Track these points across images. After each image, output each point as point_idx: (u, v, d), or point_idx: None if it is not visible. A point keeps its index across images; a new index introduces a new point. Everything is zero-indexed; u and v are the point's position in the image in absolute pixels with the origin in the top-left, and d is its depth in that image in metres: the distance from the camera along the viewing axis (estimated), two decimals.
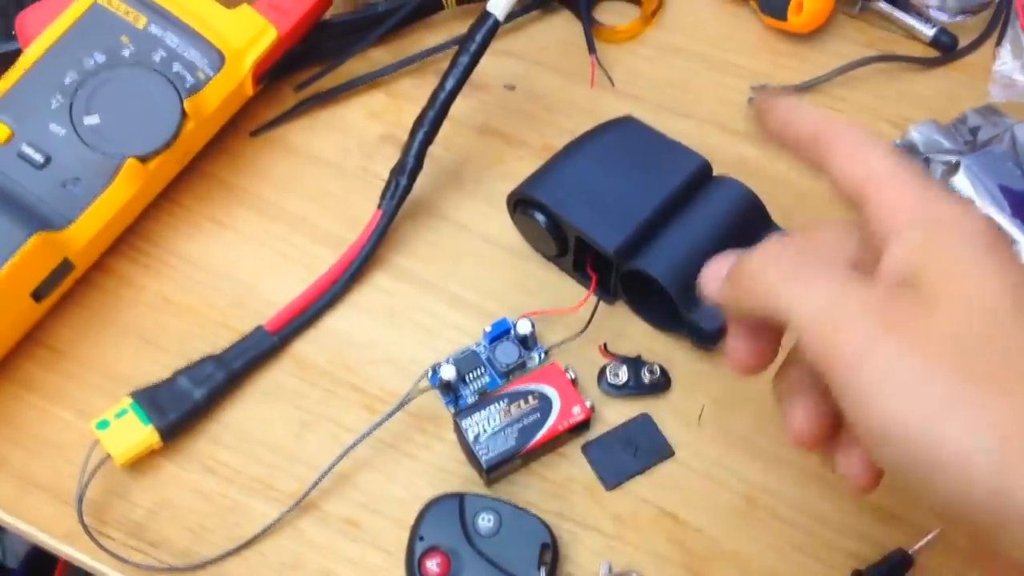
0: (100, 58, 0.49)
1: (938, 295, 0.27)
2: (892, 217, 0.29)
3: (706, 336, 0.46)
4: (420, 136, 0.49)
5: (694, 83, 0.57)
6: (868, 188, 0.30)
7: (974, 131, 0.54)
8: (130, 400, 0.44)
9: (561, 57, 0.58)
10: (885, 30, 0.59)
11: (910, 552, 0.43)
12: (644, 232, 0.47)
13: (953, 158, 0.52)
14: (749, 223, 0.48)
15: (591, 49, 0.57)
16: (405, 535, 0.43)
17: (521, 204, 0.49)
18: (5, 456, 0.45)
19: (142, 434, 0.44)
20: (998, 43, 0.58)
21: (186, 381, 0.45)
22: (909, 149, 0.54)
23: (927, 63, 0.57)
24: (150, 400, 0.45)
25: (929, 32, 0.58)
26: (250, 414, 0.47)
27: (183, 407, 0.45)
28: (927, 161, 0.53)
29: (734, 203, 0.48)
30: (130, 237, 0.51)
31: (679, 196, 0.48)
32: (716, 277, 0.34)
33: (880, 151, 0.31)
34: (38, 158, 0.46)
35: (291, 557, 0.43)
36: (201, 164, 0.53)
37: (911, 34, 0.58)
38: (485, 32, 0.49)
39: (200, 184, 0.53)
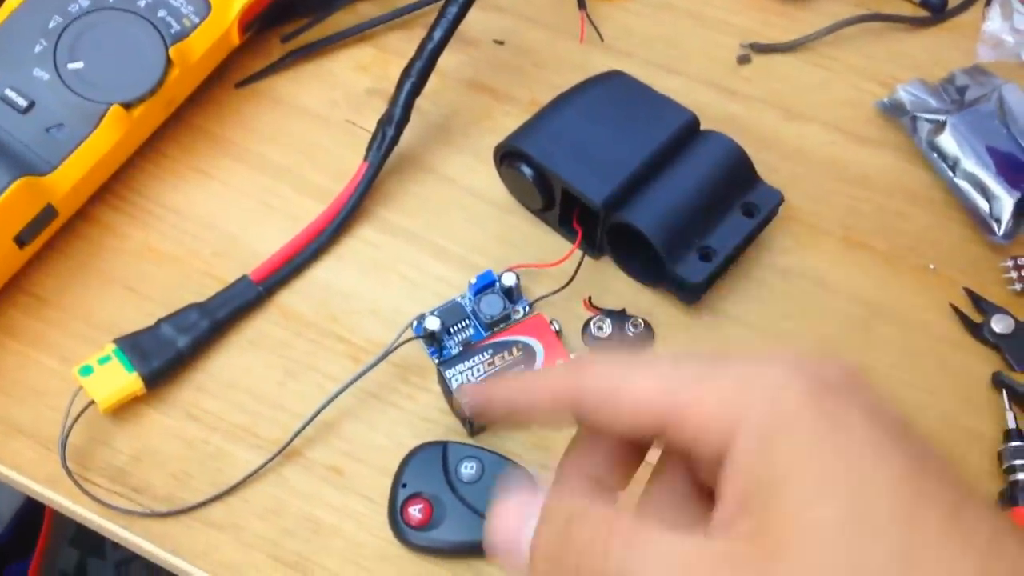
0: (84, 3, 0.48)
1: (785, 533, 0.22)
2: (707, 435, 0.24)
3: (690, 289, 0.46)
4: (408, 87, 0.49)
5: (684, 40, 0.57)
6: (666, 411, 0.25)
7: (961, 91, 0.54)
8: (114, 346, 0.44)
9: (550, 13, 0.58)
10: None
11: None
12: (631, 185, 0.46)
13: (940, 117, 0.52)
14: (735, 177, 0.48)
15: (581, 4, 0.57)
16: (388, 483, 0.43)
17: (508, 157, 0.49)
18: None
19: (125, 380, 0.44)
20: (987, 3, 0.58)
21: (170, 329, 0.45)
22: (896, 108, 0.54)
23: (916, 23, 0.57)
24: (134, 347, 0.44)
25: None
26: (234, 363, 0.47)
27: (167, 354, 0.45)
28: (914, 119, 0.53)
29: (721, 157, 0.48)
30: (114, 186, 0.51)
31: (666, 150, 0.48)
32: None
33: (650, 368, 0.25)
34: (21, 102, 0.46)
35: (274, 503, 0.43)
36: (186, 114, 0.53)
37: None
38: None
39: (185, 134, 0.53)
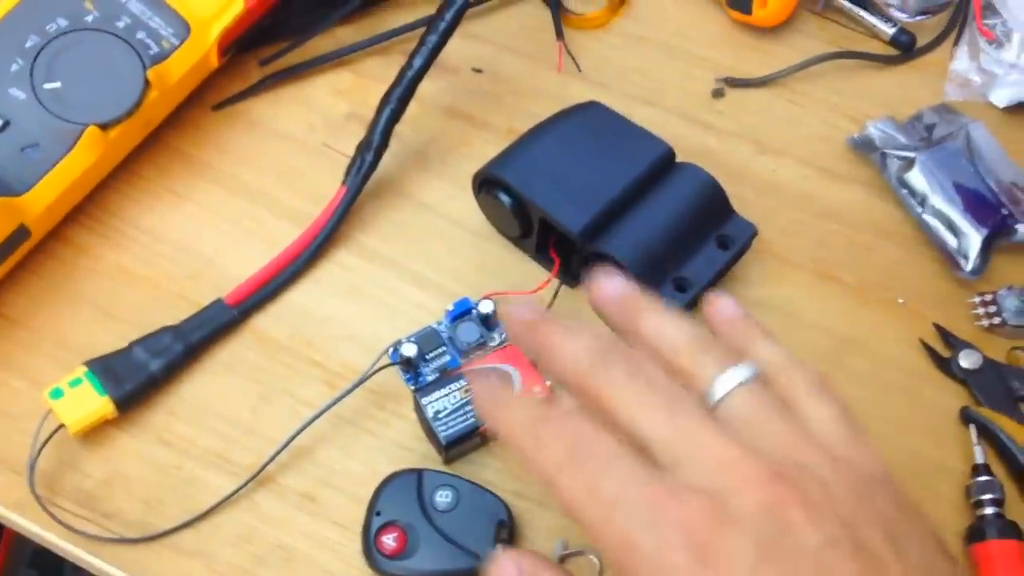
0: (63, 22, 0.48)
1: None
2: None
3: None
4: (387, 113, 0.49)
5: (660, 73, 0.58)
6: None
7: (929, 128, 0.55)
8: (85, 369, 0.44)
9: (528, 42, 0.58)
10: (847, 27, 0.60)
11: None
12: (608, 215, 0.47)
13: (909, 154, 0.53)
14: (710, 210, 0.49)
15: (559, 34, 0.57)
16: (362, 511, 0.43)
17: (486, 184, 0.49)
18: None
19: (96, 404, 0.43)
20: (955, 43, 0.59)
21: (143, 352, 0.45)
22: (866, 144, 0.55)
23: (886, 61, 0.59)
24: (105, 369, 0.44)
25: (889, 31, 0.59)
26: (208, 387, 0.46)
27: (139, 378, 0.44)
28: (884, 156, 0.54)
29: (696, 189, 0.49)
30: (88, 207, 0.50)
31: (643, 181, 0.48)
32: None
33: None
34: None
35: (246, 530, 0.43)
36: (163, 136, 0.53)
37: (872, 32, 0.60)
38: (455, 11, 0.49)
39: (161, 156, 0.53)
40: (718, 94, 0.57)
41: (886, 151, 0.54)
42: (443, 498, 0.42)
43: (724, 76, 0.57)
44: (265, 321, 0.48)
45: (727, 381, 0.30)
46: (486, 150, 0.52)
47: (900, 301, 0.50)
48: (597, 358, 0.31)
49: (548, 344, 0.32)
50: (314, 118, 0.55)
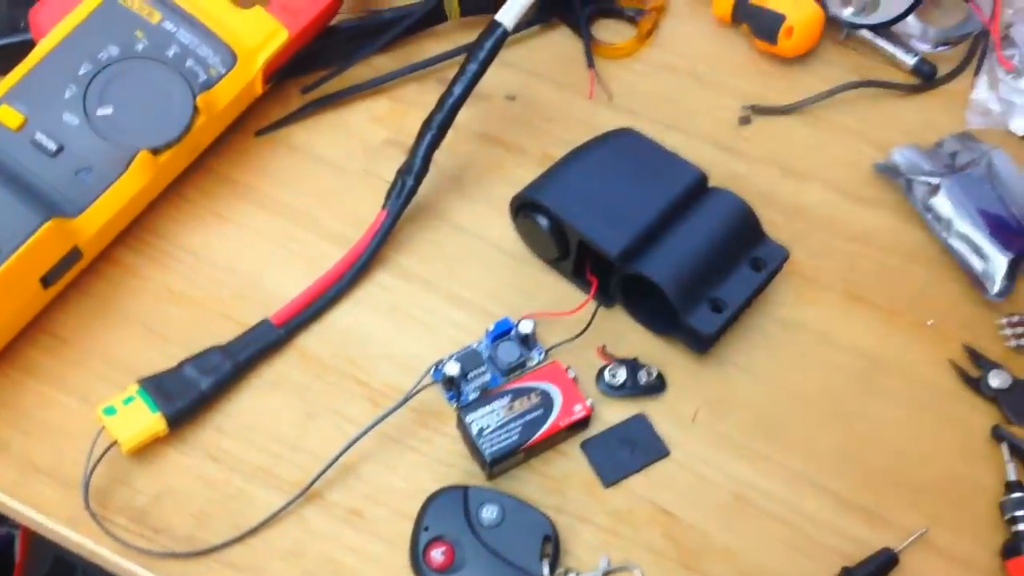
0: (114, 51, 0.49)
1: None
2: None
3: (701, 340, 0.48)
4: (428, 138, 0.51)
5: (687, 100, 0.59)
6: None
7: (952, 155, 0.57)
8: (137, 387, 0.45)
9: (560, 71, 0.60)
10: (870, 57, 0.61)
11: (896, 551, 0.44)
12: (645, 238, 0.48)
13: (934, 180, 0.54)
14: (743, 233, 0.50)
15: (590, 63, 0.59)
16: (407, 526, 0.44)
17: (524, 208, 0.51)
18: (7, 441, 0.45)
19: (149, 421, 0.44)
20: (975, 73, 0.61)
21: (193, 370, 0.46)
22: (892, 170, 0.56)
23: (908, 89, 0.60)
24: (157, 387, 0.45)
25: (910, 61, 0.60)
26: (255, 404, 0.47)
27: (190, 395, 0.45)
28: (909, 182, 0.55)
29: (729, 213, 0.50)
30: (136, 229, 0.51)
31: (677, 205, 0.50)
32: None
33: None
34: (51, 146, 0.47)
35: (295, 545, 0.44)
36: (207, 160, 0.54)
37: (893, 62, 0.61)
38: (494, 41, 0.50)
39: (205, 180, 0.54)
40: (745, 121, 0.59)
41: (911, 177, 0.55)
42: (489, 514, 0.43)
43: (751, 104, 0.59)
44: (309, 340, 0.49)
45: None
46: (520, 175, 0.54)
47: (929, 323, 0.51)
48: None
49: None
50: (353, 144, 0.56)
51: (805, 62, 0.61)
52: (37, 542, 0.78)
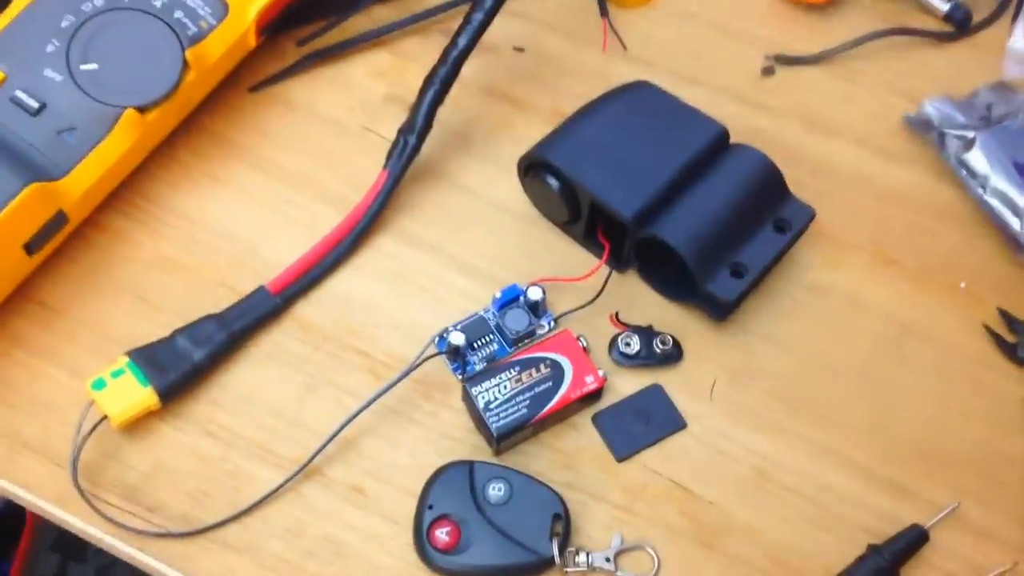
0: (99, 2, 0.46)
1: None
2: None
3: (721, 307, 0.45)
4: (431, 94, 0.48)
5: (707, 51, 0.56)
6: None
7: (988, 107, 0.53)
8: (127, 359, 0.43)
9: (571, 20, 0.57)
10: (900, 4, 0.58)
11: (926, 528, 0.42)
12: (661, 199, 0.45)
13: (969, 133, 0.51)
14: (767, 193, 0.47)
15: (603, 12, 0.56)
16: (412, 503, 0.42)
17: (533, 168, 0.48)
18: None
19: (140, 395, 0.42)
20: (1013, 20, 0.57)
21: (186, 341, 0.44)
22: (923, 123, 0.53)
23: (941, 37, 0.57)
24: (148, 359, 0.43)
25: (943, 7, 0.57)
26: (251, 377, 0.45)
27: (183, 367, 0.43)
28: (942, 135, 0.52)
29: (752, 172, 0.47)
30: (125, 192, 0.49)
31: (696, 163, 0.47)
32: None
33: None
34: (32, 104, 0.44)
35: (294, 524, 0.42)
36: (199, 119, 0.51)
37: (926, 8, 0.58)
38: None
39: (197, 139, 0.51)
40: (768, 72, 0.55)
41: (944, 130, 0.52)
42: (496, 491, 0.41)
43: (775, 54, 0.56)
44: (307, 309, 0.47)
45: None
46: (530, 132, 0.51)
47: (962, 285, 0.49)
48: None
49: None
50: (352, 100, 0.53)
51: (832, 9, 0.57)
52: None
